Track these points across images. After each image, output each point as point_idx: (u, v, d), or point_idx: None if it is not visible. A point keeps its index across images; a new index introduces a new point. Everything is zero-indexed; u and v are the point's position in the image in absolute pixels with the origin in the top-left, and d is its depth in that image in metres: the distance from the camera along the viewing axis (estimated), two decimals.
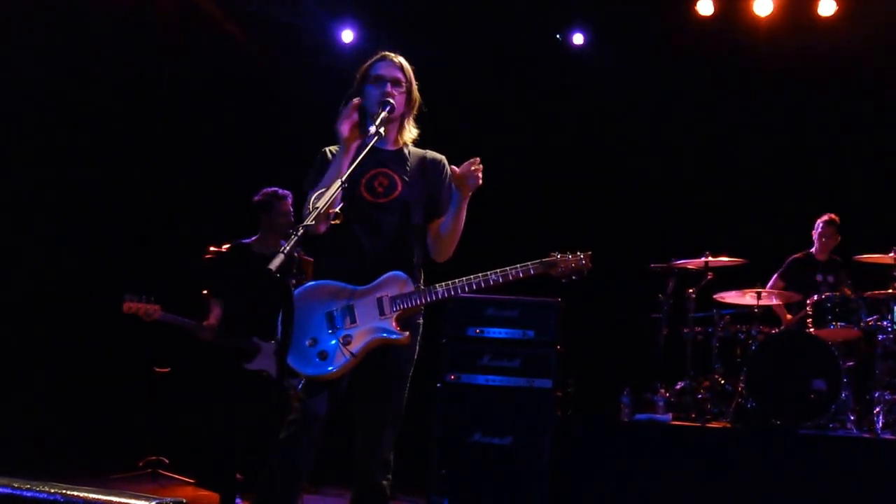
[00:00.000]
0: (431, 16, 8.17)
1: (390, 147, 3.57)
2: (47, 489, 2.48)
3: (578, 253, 3.49)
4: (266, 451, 3.46)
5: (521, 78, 8.41)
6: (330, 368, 3.31)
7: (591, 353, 7.21)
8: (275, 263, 2.83)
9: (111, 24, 7.78)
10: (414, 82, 3.58)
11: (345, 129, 3.40)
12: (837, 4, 7.68)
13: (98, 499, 2.45)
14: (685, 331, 6.67)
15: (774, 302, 6.93)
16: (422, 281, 3.53)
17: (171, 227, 8.12)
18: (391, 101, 3.44)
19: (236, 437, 5.23)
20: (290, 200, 5.50)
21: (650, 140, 8.29)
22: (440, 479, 5.48)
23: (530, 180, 8.27)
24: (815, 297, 6.42)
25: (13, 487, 2.49)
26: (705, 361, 6.60)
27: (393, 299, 3.37)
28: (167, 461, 6.73)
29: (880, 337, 6.16)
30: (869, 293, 6.29)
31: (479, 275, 3.39)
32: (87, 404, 7.66)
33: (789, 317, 6.96)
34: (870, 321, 6.21)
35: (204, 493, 6.16)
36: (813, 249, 7.20)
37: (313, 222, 3.02)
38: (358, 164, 3.24)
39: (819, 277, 7.04)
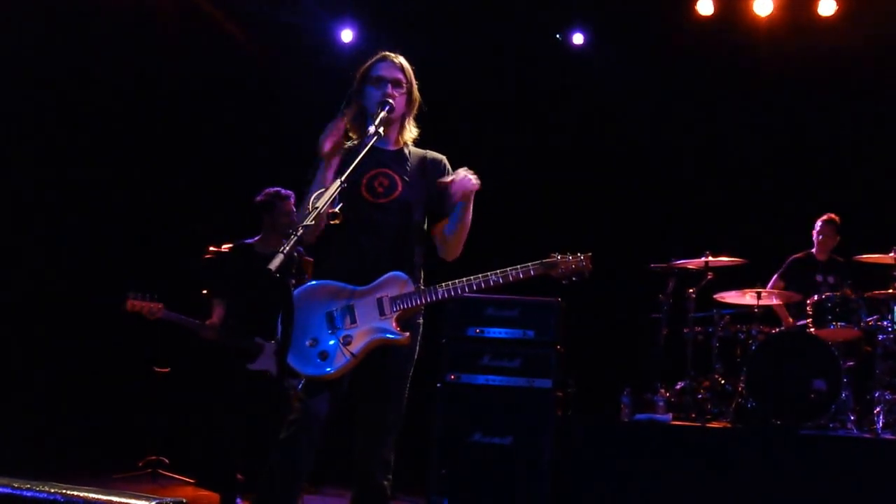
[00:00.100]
0: (431, 16, 8.17)
1: (391, 147, 3.57)
2: (47, 489, 2.48)
3: (579, 254, 3.47)
4: (266, 452, 3.46)
5: (521, 78, 8.41)
6: (330, 369, 3.30)
7: (591, 353, 7.21)
8: (274, 263, 2.82)
9: (111, 24, 7.78)
10: (414, 82, 3.58)
11: (326, 145, 3.35)
12: (837, 4, 7.68)
13: (98, 499, 2.45)
14: (685, 331, 6.67)
15: (774, 302, 6.92)
16: (422, 281, 3.52)
17: (171, 227, 8.11)
18: (391, 101, 3.43)
19: (237, 437, 5.24)
20: (292, 201, 5.50)
21: (650, 140, 8.28)
22: (440, 479, 5.48)
23: (530, 180, 8.26)
24: (816, 298, 6.42)
25: (13, 487, 2.49)
26: (705, 361, 6.59)
27: (393, 299, 3.36)
28: (167, 461, 6.74)
29: (880, 337, 6.16)
30: (869, 293, 6.30)
31: (480, 275, 3.38)
32: (87, 404, 7.67)
33: (790, 320, 6.96)
34: (870, 321, 6.21)
35: (204, 493, 6.17)
36: (813, 249, 7.20)
37: (313, 222, 3.02)
38: (358, 164, 3.23)
39: (819, 277, 7.03)
